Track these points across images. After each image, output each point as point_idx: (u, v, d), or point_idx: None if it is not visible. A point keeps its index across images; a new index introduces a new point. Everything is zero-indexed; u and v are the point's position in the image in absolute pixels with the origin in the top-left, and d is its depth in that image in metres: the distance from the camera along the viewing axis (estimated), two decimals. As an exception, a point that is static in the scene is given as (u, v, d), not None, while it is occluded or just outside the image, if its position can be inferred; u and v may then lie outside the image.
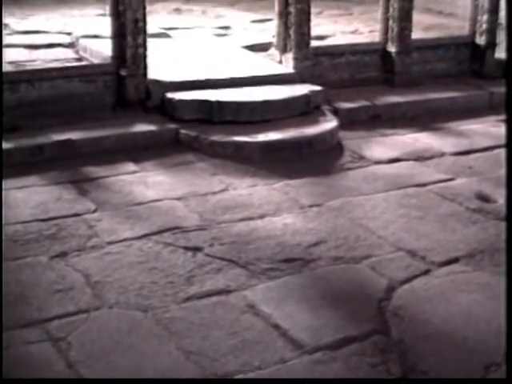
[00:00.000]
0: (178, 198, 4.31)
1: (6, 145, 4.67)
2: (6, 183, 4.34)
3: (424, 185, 4.62)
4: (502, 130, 5.37)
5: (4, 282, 3.32)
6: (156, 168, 4.74)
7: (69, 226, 3.91)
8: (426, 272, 3.57)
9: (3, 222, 3.90)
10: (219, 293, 3.33)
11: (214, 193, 4.41)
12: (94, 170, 4.64)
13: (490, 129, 5.74)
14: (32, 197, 4.25)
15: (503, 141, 4.87)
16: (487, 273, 3.58)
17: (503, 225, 3.98)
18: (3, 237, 3.76)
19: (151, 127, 5.15)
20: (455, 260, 3.69)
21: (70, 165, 4.67)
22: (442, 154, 5.18)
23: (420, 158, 5.09)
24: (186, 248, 3.73)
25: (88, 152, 4.82)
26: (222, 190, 4.45)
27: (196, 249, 3.73)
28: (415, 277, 3.52)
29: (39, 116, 5.05)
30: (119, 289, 3.34)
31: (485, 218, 4.18)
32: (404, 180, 4.69)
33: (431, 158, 5.11)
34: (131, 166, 4.74)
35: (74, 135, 4.89)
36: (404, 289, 3.41)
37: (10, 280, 3.36)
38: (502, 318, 2.91)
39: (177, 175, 4.65)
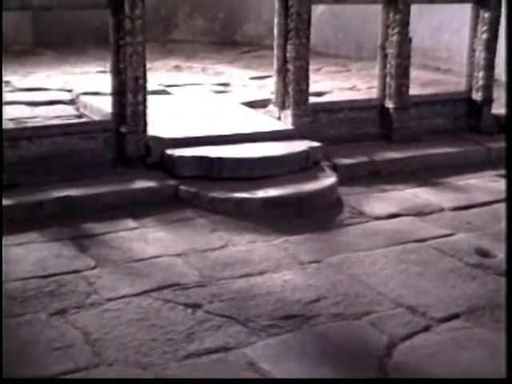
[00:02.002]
0: (178, 255, 4.31)
1: (6, 201, 4.68)
2: (5, 240, 4.34)
3: (423, 240, 4.62)
4: (500, 184, 5.39)
5: (3, 339, 3.30)
6: (156, 224, 4.74)
7: (68, 283, 3.90)
8: (427, 328, 3.55)
9: (3, 278, 3.90)
10: (219, 350, 3.31)
11: (214, 249, 4.41)
12: (93, 227, 4.64)
13: (488, 184, 5.76)
14: (31, 253, 4.24)
15: (502, 196, 4.89)
16: (488, 329, 3.57)
17: (503, 280, 3.98)
18: (3, 294, 3.75)
19: (151, 184, 5.16)
20: (455, 316, 3.68)
21: (69, 221, 4.67)
22: (441, 210, 5.19)
23: (419, 213, 5.10)
24: (186, 305, 3.72)
25: (88, 208, 4.83)
26: (222, 247, 4.45)
27: (196, 305, 3.71)
28: (416, 333, 3.50)
29: (39, 172, 5.05)
30: (118, 346, 3.32)
31: (484, 273, 4.18)
32: (403, 235, 4.69)
33: (430, 213, 5.12)
34: (131, 223, 4.74)
35: (73, 192, 4.90)
36: (405, 345, 3.40)
37: (8, 337, 3.34)
38: (503, 375, 2.89)
39: (176, 231, 4.65)
